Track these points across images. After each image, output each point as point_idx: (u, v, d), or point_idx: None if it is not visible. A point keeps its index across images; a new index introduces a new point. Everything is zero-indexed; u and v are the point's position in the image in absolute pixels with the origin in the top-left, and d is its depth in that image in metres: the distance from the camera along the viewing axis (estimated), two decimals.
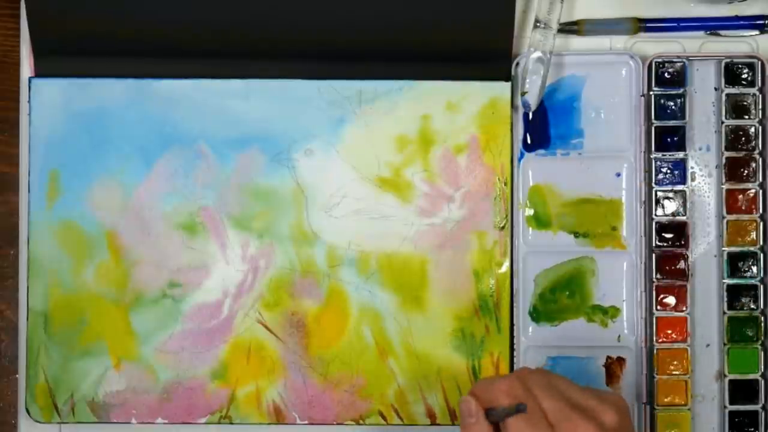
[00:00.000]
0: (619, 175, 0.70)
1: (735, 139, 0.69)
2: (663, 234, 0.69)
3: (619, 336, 0.70)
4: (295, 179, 0.70)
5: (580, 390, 0.58)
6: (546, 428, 0.56)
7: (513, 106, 0.70)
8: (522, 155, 0.70)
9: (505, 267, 0.70)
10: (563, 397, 0.57)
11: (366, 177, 0.70)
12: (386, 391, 0.70)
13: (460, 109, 0.69)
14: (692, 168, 0.70)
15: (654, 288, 0.69)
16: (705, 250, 0.70)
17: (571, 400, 0.57)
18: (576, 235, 0.70)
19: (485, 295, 0.69)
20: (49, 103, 0.70)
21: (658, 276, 0.69)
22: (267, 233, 0.70)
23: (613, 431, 0.56)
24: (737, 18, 0.71)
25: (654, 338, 0.69)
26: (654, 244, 0.69)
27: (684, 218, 0.69)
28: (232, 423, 0.70)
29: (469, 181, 0.70)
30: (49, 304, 0.69)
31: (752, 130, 0.69)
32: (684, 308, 0.69)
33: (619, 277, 0.69)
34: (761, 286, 0.69)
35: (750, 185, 0.69)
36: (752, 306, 0.69)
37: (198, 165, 0.70)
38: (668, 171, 0.69)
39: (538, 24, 0.69)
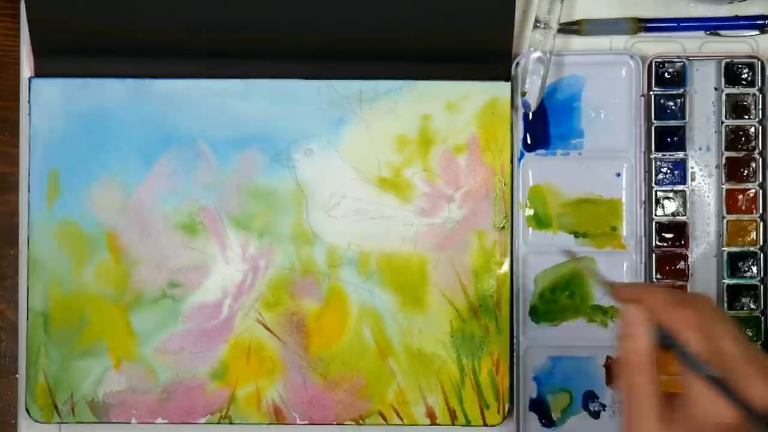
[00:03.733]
0: (619, 175, 0.70)
1: (735, 139, 0.69)
2: (663, 234, 0.69)
3: None
4: (295, 179, 0.70)
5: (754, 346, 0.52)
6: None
7: (513, 106, 0.69)
8: (522, 155, 0.70)
9: (505, 267, 0.69)
10: (749, 355, 0.50)
11: (366, 177, 0.70)
12: (386, 391, 0.70)
13: (460, 109, 0.69)
14: (692, 168, 0.70)
15: None
16: (705, 250, 0.70)
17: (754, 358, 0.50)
18: (576, 235, 0.70)
19: (485, 295, 0.69)
20: (49, 103, 0.70)
21: (658, 276, 0.69)
22: (267, 233, 0.70)
23: None
24: (737, 18, 0.71)
25: None
26: (654, 244, 0.69)
27: (684, 218, 0.69)
28: (232, 423, 0.70)
29: (469, 181, 0.70)
30: (49, 304, 0.69)
31: (752, 130, 0.69)
32: None
33: (619, 277, 0.69)
34: (761, 286, 0.69)
35: (750, 185, 0.69)
36: (752, 306, 0.69)
37: (198, 165, 0.70)
38: (668, 171, 0.69)
39: (538, 24, 0.69)
